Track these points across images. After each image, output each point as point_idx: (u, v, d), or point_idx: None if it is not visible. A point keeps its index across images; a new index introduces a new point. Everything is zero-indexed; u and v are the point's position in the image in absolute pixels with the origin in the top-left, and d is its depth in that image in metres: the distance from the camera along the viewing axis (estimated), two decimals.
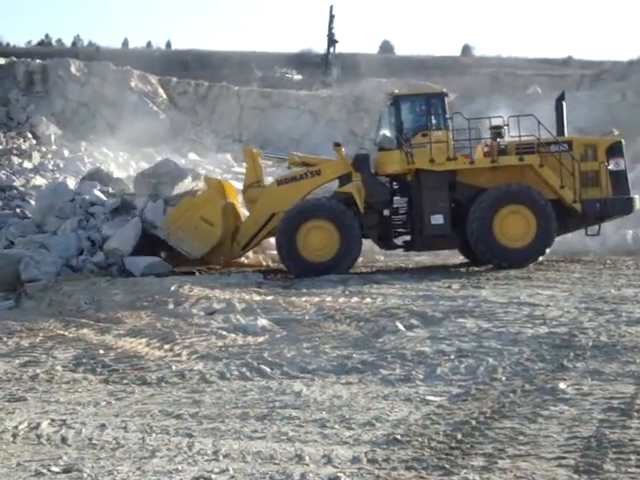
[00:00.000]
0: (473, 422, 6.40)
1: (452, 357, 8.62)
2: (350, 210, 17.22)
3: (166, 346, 9.86)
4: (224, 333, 10.44)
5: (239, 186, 19.63)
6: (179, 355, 9.40)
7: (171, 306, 12.56)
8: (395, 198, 18.11)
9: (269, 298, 13.09)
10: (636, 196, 17.74)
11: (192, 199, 17.75)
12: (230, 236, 17.62)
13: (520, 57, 58.34)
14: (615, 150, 17.60)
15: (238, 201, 18.69)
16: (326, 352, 9.13)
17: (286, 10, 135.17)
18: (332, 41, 56.14)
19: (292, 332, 10.41)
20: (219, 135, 41.23)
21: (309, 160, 18.74)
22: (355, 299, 12.84)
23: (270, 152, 19.39)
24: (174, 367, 8.78)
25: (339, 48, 56.87)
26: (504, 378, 7.72)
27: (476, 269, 16.94)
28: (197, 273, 17.26)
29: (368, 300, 12.69)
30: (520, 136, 17.60)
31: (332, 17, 56.27)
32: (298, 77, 52.08)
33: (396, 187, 18.11)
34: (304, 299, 12.89)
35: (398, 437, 6.12)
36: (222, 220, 17.29)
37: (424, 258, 20.87)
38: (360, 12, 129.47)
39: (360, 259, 20.41)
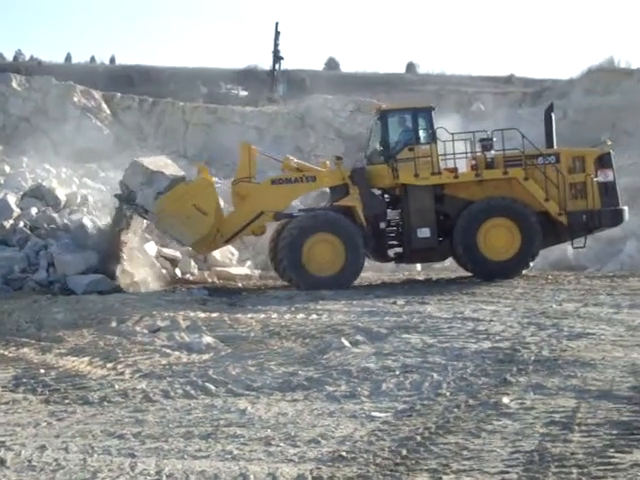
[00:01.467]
0: (418, 438, 6.41)
1: (397, 373, 8.65)
2: (354, 223, 17.29)
3: (109, 365, 9.71)
4: (168, 351, 10.33)
5: None
6: (122, 374, 9.26)
7: (114, 324, 12.39)
8: (387, 211, 18.28)
9: (214, 315, 13.01)
10: (625, 207, 17.92)
11: (186, 186, 17.33)
12: (216, 227, 17.41)
13: (464, 74, 58.90)
14: (604, 161, 17.74)
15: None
16: (271, 369, 9.09)
17: (232, 26, 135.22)
18: (278, 57, 56.20)
19: (237, 349, 10.35)
20: (164, 151, 40.72)
21: (304, 167, 18.75)
22: (301, 315, 12.83)
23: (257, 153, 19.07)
24: (117, 386, 8.64)
25: (285, 65, 56.97)
26: (448, 393, 7.76)
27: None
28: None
29: (314, 316, 12.69)
30: (504, 149, 17.75)
31: (278, 34, 56.36)
32: (244, 93, 51.96)
33: (388, 200, 18.28)
34: (250, 316, 12.84)
35: (343, 454, 6.10)
36: (216, 210, 17.12)
37: (369, 274, 20.94)
38: (306, 29, 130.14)
39: None
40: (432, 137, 17.94)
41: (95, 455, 6.38)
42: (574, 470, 5.51)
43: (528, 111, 35.45)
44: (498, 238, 17.26)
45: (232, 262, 21.25)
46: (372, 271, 20.00)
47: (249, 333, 11.36)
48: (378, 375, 8.61)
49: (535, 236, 17.21)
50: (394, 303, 14.01)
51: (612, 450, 5.84)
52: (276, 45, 55.81)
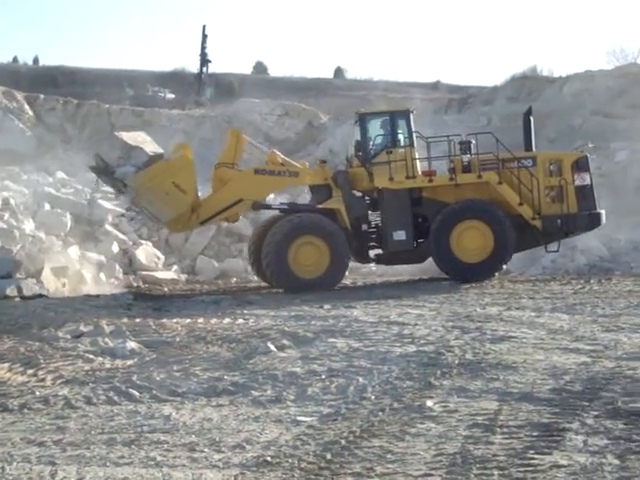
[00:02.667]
0: (343, 442, 6.42)
1: (323, 377, 8.65)
2: (339, 226, 17.30)
3: (30, 371, 9.48)
4: (91, 357, 10.14)
5: (108, 205, 19.30)
6: (43, 380, 9.05)
7: (36, 329, 12.11)
8: (369, 212, 18.36)
9: (139, 320, 12.85)
10: (602, 211, 18.10)
11: (167, 163, 17.17)
12: (193, 207, 17.26)
13: (391, 80, 59.57)
14: (581, 165, 17.86)
15: None
16: (197, 374, 9.01)
17: (159, 29, 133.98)
18: (205, 61, 55.99)
19: (162, 355, 10.23)
20: (89, 153, 40.25)
21: (288, 163, 18.70)
22: (227, 320, 12.76)
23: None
24: (38, 392, 8.45)
25: (212, 68, 56.80)
26: (373, 397, 7.79)
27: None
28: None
29: (240, 321, 12.64)
30: (478, 153, 17.89)
31: (205, 37, 56.20)
32: (171, 96, 51.58)
33: (368, 202, 18.35)
34: (175, 321, 12.71)
35: (268, 459, 6.08)
36: (194, 189, 16.95)
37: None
38: (234, 33, 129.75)
39: (234, 279, 20.33)
40: (410, 140, 18.10)
41: (14, 463, 6.23)
42: (495, 472, 5.59)
43: (454, 117, 35.91)
44: (471, 240, 17.40)
45: (158, 266, 21.05)
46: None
47: (174, 338, 11.24)
48: (304, 379, 8.60)
49: (508, 238, 17.33)
50: (321, 307, 14.04)
51: (532, 452, 5.94)
52: (203, 48, 55.60)
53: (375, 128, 18.58)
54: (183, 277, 21.09)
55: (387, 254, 18.18)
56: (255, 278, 19.90)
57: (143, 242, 21.59)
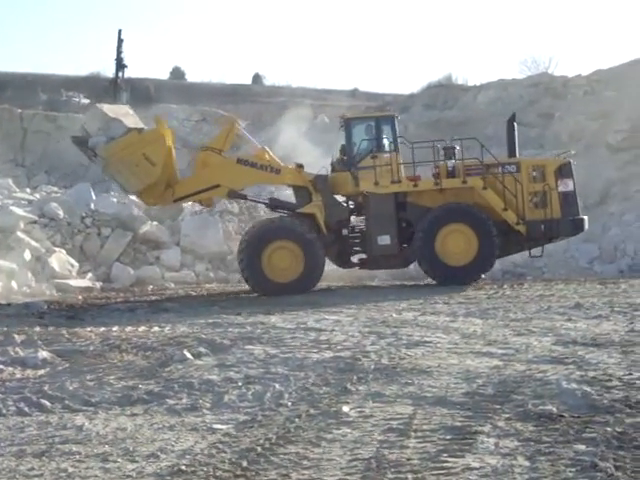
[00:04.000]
0: (259, 449, 6.40)
1: (239, 384, 8.61)
2: (313, 230, 17.19)
3: None
4: (1, 367, 9.87)
5: (20, 212, 18.92)
6: None
7: None
8: (352, 217, 18.30)
9: (51, 329, 12.59)
10: (585, 217, 18.32)
11: (139, 135, 17.26)
12: (165, 181, 17.32)
13: (309, 87, 59.74)
14: (564, 171, 18.05)
15: (174, 147, 18.43)
16: (110, 383, 8.86)
17: (74, 33, 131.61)
18: (121, 65, 55.18)
19: (75, 364, 10.03)
20: (2, 159, 39.31)
21: (274, 161, 18.61)
22: (143, 328, 12.60)
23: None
24: None
25: (128, 73, 56.01)
26: (290, 403, 7.79)
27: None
28: None
29: (156, 329, 12.50)
30: (463, 159, 17.98)
31: (121, 41, 55.32)
32: (85, 101, 50.67)
33: (352, 206, 18.29)
34: (89, 329, 12.50)
35: (183, 468, 6.01)
36: (164, 162, 16.92)
37: (214, 285, 20.84)
38: (151, 37, 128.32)
39: (150, 286, 20.11)
40: (395, 145, 18.15)
41: None
42: (409, 476, 5.64)
43: None
44: (456, 244, 17.52)
45: (72, 274, 20.67)
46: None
47: (88, 347, 11.04)
48: (220, 387, 8.55)
49: (492, 242, 17.48)
50: (238, 314, 13.99)
51: (445, 455, 6.01)
52: (119, 53, 54.77)
53: (360, 133, 18.69)
54: (98, 285, 20.75)
55: (371, 259, 18.29)
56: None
57: (57, 249, 21.17)
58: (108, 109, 18.05)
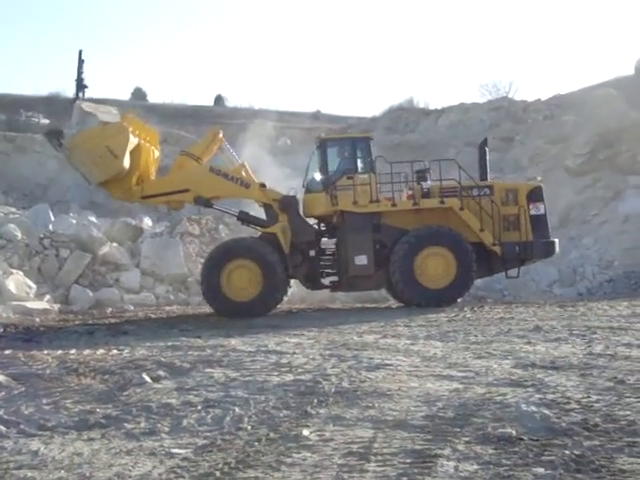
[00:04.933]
0: (217, 473, 6.33)
1: (199, 408, 8.52)
2: (274, 250, 17.10)
3: None
4: None
5: None
6: None
7: None
8: (323, 239, 18.21)
9: (7, 352, 12.37)
10: (556, 240, 18.52)
11: (103, 127, 17.79)
12: (134, 176, 17.42)
13: (271, 109, 59.82)
14: (535, 195, 18.32)
15: (157, 150, 18.95)
16: (67, 407, 8.72)
17: (34, 52, 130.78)
18: (81, 86, 54.92)
19: (31, 387, 9.85)
20: None
21: (250, 178, 18.71)
22: (101, 351, 12.43)
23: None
24: None
25: (89, 93, 55.71)
26: (250, 427, 7.72)
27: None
28: None
29: (115, 352, 12.34)
30: (441, 179, 18.02)
31: (82, 61, 55.10)
32: (45, 121, 50.29)
33: (323, 228, 18.19)
34: (46, 352, 12.31)
35: None
36: (127, 156, 17.15)
37: (175, 307, 20.68)
38: (112, 58, 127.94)
39: (109, 309, 19.91)
40: (370, 166, 18.16)
41: None
42: None
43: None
44: (434, 266, 17.53)
45: (30, 296, 20.37)
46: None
47: (45, 370, 10.87)
48: (179, 411, 8.45)
49: (471, 265, 17.58)
50: (198, 337, 13.88)
51: (405, 479, 5.99)
52: (80, 73, 54.53)
53: (335, 153, 18.70)
54: (56, 307, 20.46)
55: (346, 280, 18.21)
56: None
57: (14, 271, 20.86)
58: (86, 105, 18.50)
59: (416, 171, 18.80)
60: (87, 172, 17.63)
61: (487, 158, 19.16)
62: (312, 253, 18.29)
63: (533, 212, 18.35)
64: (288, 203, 18.22)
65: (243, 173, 18.69)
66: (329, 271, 18.75)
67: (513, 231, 18.21)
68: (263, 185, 18.62)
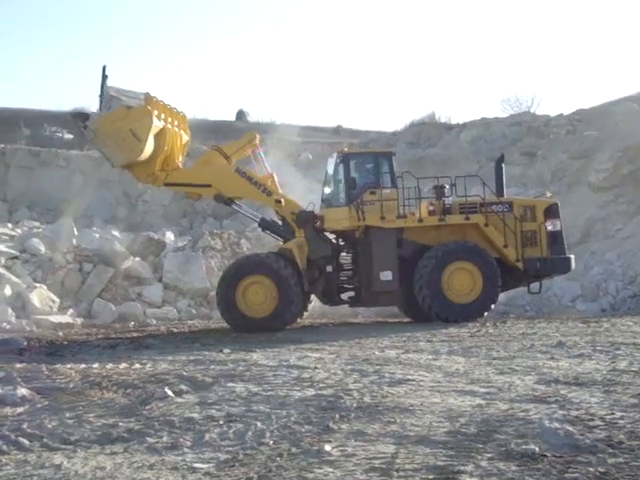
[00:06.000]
0: None
1: (221, 422, 8.53)
2: (289, 265, 17.17)
3: None
4: None
5: (1, 248, 18.84)
6: None
7: None
8: (342, 254, 18.27)
9: (31, 366, 12.45)
10: (572, 255, 18.66)
11: (127, 110, 17.49)
12: (158, 160, 17.55)
13: (293, 124, 59.97)
14: (552, 211, 18.50)
15: (187, 134, 19.09)
16: (90, 421, 8.75)
17: (58, 68, 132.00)
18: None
19: (54, 401, 9.91)
20: None
21: (272, 188, 18.79)
22: (123, 365, 12.48)
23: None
24: None
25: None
26: (271, 442, 7.71)
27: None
28: None
29: (137, 366, 12.39)
30: (466, 196, 18.12)
31: (105, 77, 55.52)
32: (69, 136, 50.69)
33: (342, 243, 18.25)
34: (69, 366, 12.37)
35: None
36: (150, 139, 17.22)
37: (196, 322, 20.72)
38: (134, 73, 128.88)
39: (132, 323, 19.96)
40: (393, 181, 18.23)
41: None
42: None
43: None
44: (461, 281, 17.60)
45: (53, 310, 20.53)
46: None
47: (68, 384, 10.93)
48: (201, 425, 8.46)
49: (497, 279, 17.70)
50: (220, 351, 13.91)
51: None
52: (103, 88, 54.96)
53: (358, 168, 18.77)
54: (79, 321, 20.61)
55: (367, 295, 18.20)
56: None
57: (37, 285, 21.04)
58: (113, 90, 18.44)
59: (434, 187, 18.85)
60: (110, 154, 17.76)
61: (503, 174, 19.22)
62: (329, 269, 18.29)
63: (550, 228, 18.51)
64: (305, 218, 18.26)
65: (269, 183, 18.77)
66: (347, 286, 18.74)
67: (531, 247, 18.34)
68: (279, 201, 18.68)
